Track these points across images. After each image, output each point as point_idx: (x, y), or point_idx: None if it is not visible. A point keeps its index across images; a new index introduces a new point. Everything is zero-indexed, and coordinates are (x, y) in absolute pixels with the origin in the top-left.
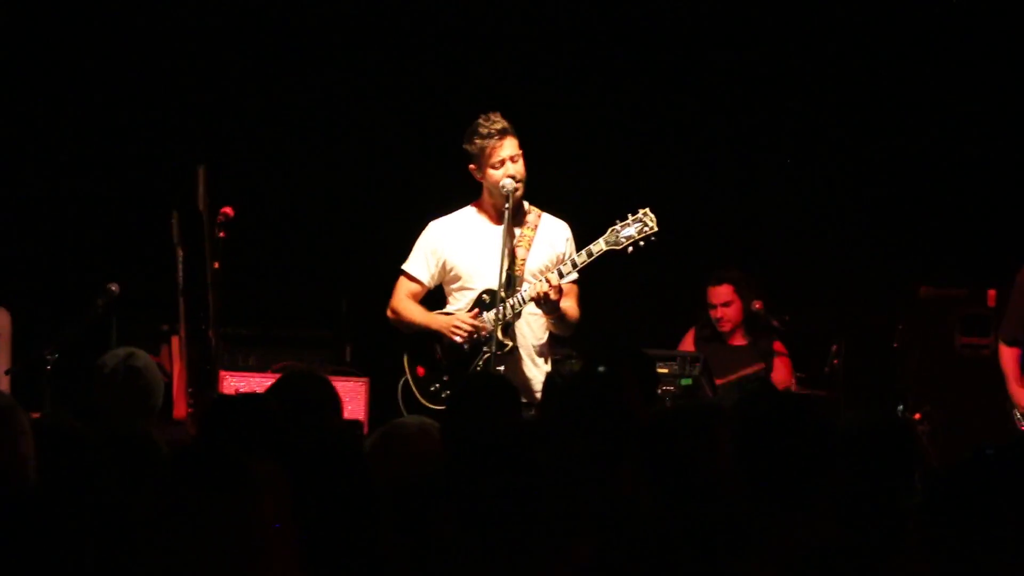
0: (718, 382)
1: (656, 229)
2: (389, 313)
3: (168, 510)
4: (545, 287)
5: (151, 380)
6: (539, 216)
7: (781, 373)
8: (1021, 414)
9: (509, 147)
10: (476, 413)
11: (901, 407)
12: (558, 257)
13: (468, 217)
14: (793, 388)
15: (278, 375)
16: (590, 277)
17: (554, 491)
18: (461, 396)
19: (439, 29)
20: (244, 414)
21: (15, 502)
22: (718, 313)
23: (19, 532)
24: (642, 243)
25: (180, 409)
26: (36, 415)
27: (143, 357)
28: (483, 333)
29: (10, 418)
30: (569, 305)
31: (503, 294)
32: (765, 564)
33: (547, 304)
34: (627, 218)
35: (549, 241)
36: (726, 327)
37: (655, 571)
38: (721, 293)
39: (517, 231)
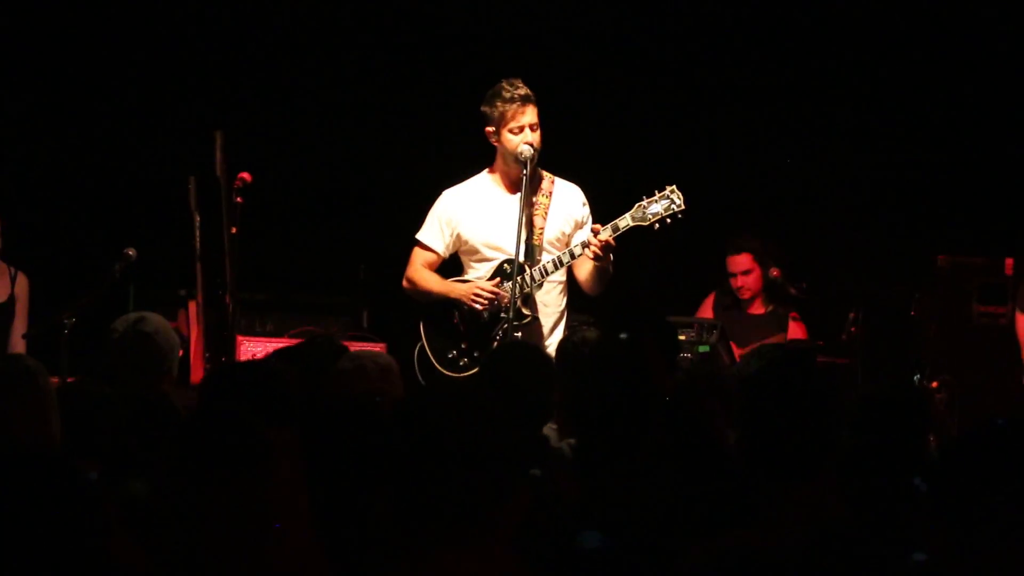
0: (739, 352)
1: (684, 207)
2: (404, 283)
3: (183, 474)
4: (605, 237)
5: (162, 344)
6: (552, 182)
7: (797, 336)
8: None
9: (531, 115)
10: (509, 383)
11: (918, 376)
12: (576, 222)
13: (482, 185)
14: None
15: (296, 340)
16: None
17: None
18: (493, 365)
19: None
20: (250, 382)
21: (40, 461)
22: (738, 282)
23: (44, 491)
24: (668, 220)
25: (197, 374)
26: (54, 380)
27: (154, 321)
28: (504, 302)
29: (36, 380)
30: (611, 260)
31: (524, 264)
32: (766, 536)
33: (602, 258)
34: (654, 194)
35: (565, 207)
36: (746, 295)
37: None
38: (741, 262)
39: (533, 199)
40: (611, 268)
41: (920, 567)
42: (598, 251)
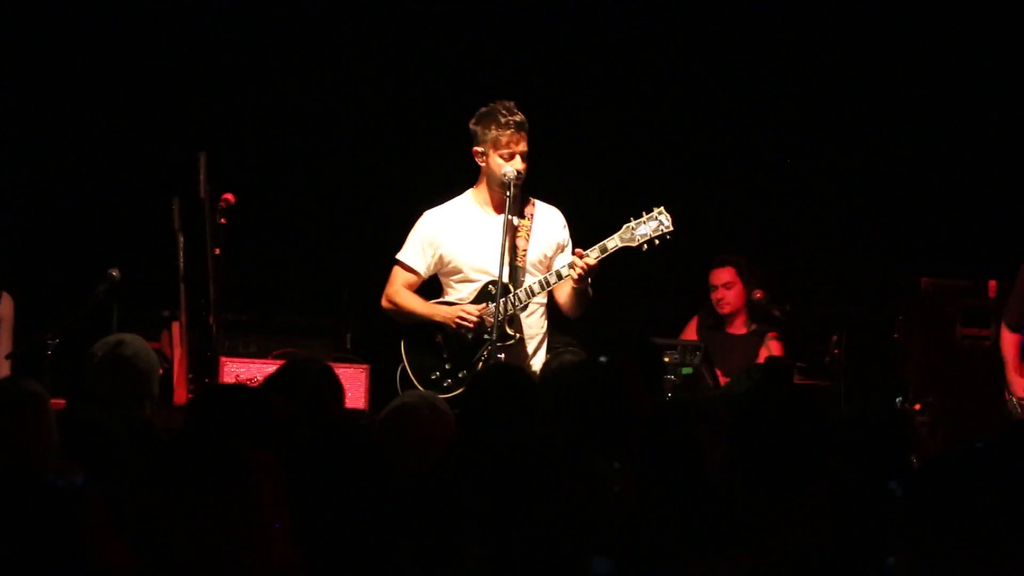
0: (724, 379)
1: (672, 228)
2: (384, 303)
3: (166, 496)
4: (591, 261)
5: (141, 368)
6: (533, 204)
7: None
8: (1016, 401)
9: (523, 144)
10: (495, 404)
11: (900, 399)
12: (558, 245)
13: (465, 206)
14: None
15: (279, 361)
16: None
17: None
18: (479, 386)
19: (441, 16)
20: (237, 404)
21: (41, 488)
22: (719, 294)
23: (44, 517)
24: (657, 242)
25: (180, 395)
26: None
27: (133, 345)
28: (486, 322)
29: (38, 404)
30: (589, 283)
31: (508, 285)
32: (758, 558)
33: (582, 281)
34: (641, 215)
35: (547, 230)
36: (725, 309)
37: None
38: (722, 275)
39: (515, 221)
40: (591, 291)
41: (891, 571)
42: (582, 273)
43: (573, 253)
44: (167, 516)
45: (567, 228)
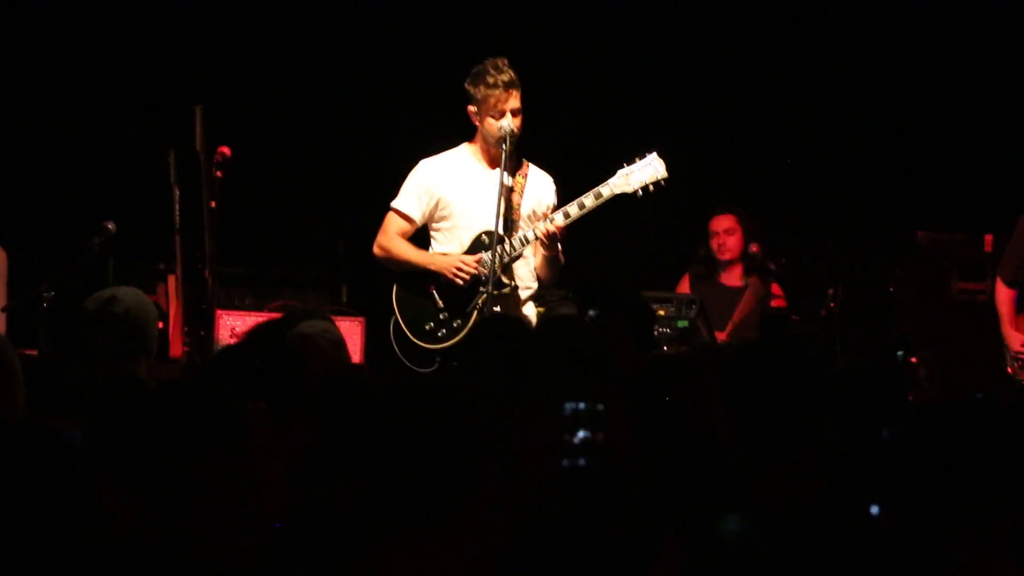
0: (720, 336)
1: (666, 175)
2: (377, 250)
3: (156, 445)
4: (551, 227)
5: (134, 323)
6: (527, 165)
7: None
8: (1012, 356)
9: (513, 100)
10: (494, 355)
11: (901, 352)
12: (548, 206)
13: (462, 157)
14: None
15: (275, 315)
16: (588, 220)
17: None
18: (478, 337)
19: None
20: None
21: (3, 437)
22: (720, 239)
23: (8, 468)
24: (651, 188)
25: (176, 348)
26: (33, 353)
27: (126, 300)
28: (482, 272)
29: (3, 356)
30: (560, 250)
31: (503, 234)
32: (754, 517)
33: (551, 244)
34: (634, 161)
35: (538, 190)
36: (725, 255)
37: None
38: (724, 221)
39: (510, 179)
40: (561, 258)
41: (874, 520)
42: (544, 238)
43: (543, 215)
44: (157, 466)
45: (557, 195)
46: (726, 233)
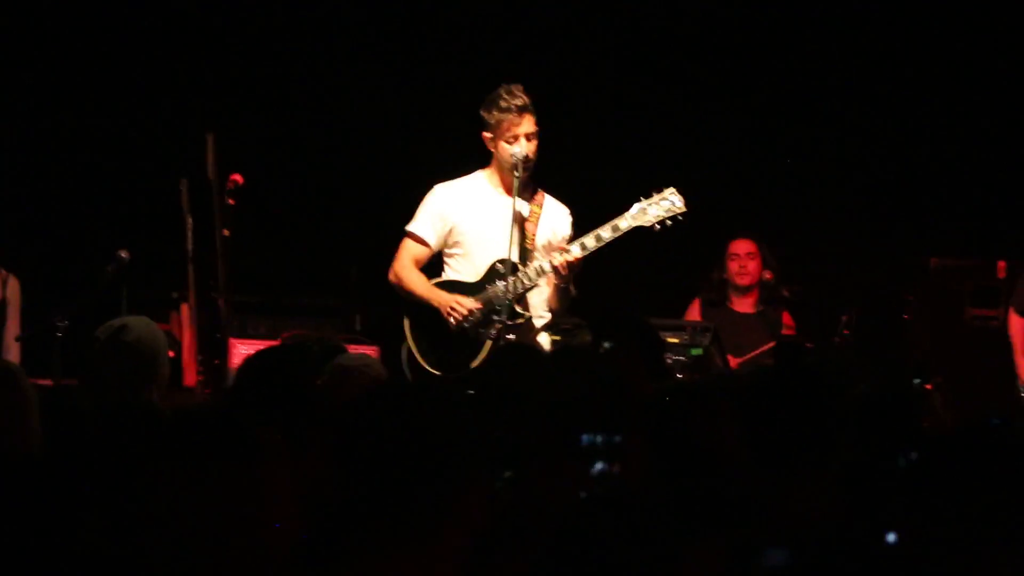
0: (735, 361)
1: (684, 210)
2: (391, 276)
3: (171, 473)
4: (569, 258)
5: (145, 352)
6: (543, 195)
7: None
8: (1023, 386)
9: (527, 124)
10: (511, 384)
11: (918, 380)
12: (562, 238)
13: (477, 184)
14: None
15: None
16: (600, 249)
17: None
18: (496, 365)
19: None
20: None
21: (20, 468)
22: (741, 262)
23: (24, 499)
24: (669, 222)
25: (190, 377)
26: (47, 382)
27: (137, 329)
28: (495, 300)
29: (15, 381)
30: (572, 281)
31: (517, 264)
32: (769, 536)
33: (564, 276)
34: (651, 195)
35: (553, 220)
36: (745, 280)
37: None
38: (744, 245)
39: (526, 206)
40: (573, 290)
41: (890, 548)
42: (563, 267)
43: (557, 247)
44: (172, 494)
45: (572, 226)
46: (748, 257)
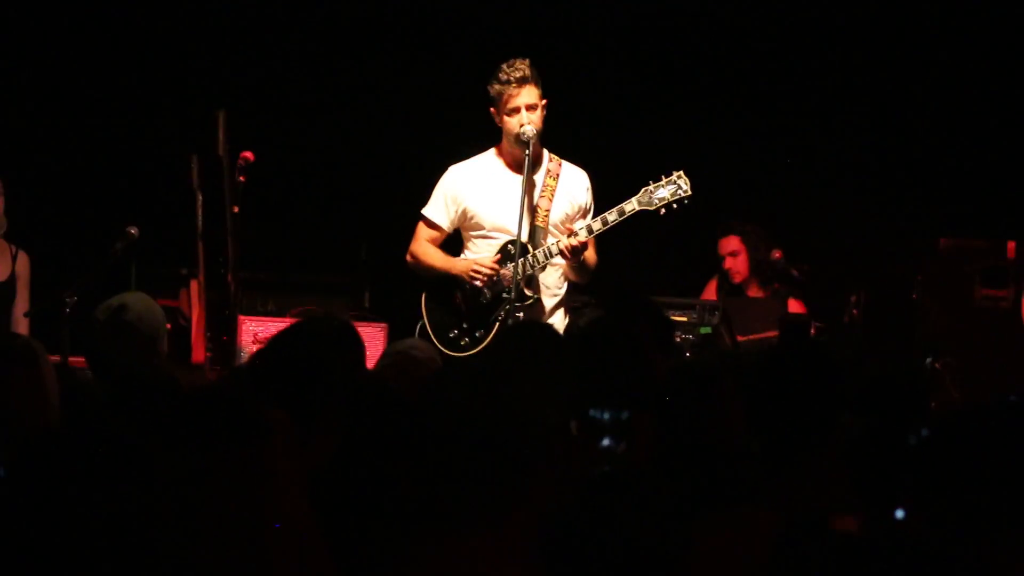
0: (741, 338)
1: (690, 193)
2: (408, 257)
3: (180, 451)
4: (574, 242)
5: (145, 330)
6: (559, 165)
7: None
8: None
9: (527, 95)
10: (522, 361)
11: (930, 359)
12: (579, 207)
13: (488, 163)
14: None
15: (296, 319)
16: (611, 228)
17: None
18: (506, 343)
19: None
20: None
21: (40, 443)
22: (727, 264)
23: (44, 473)
24: (675, 206)
25: (199, 354)
26: (56, 358)
27: (135, 308)
28: (506, 281)
29: (36, 358)
30: (588, 253)
31: (527, 245)
32: (775, 514)
33: (573, 256)
34: (660, 179)
35: (570, 191)
36: (736, 278)
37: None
38: (728, 244)
39: (539, 181)
40: (588, 263)
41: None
42: (567, 252)
43: (566, 230)
44: (181, 470)
45: (591, 192)
46: (731, 256)
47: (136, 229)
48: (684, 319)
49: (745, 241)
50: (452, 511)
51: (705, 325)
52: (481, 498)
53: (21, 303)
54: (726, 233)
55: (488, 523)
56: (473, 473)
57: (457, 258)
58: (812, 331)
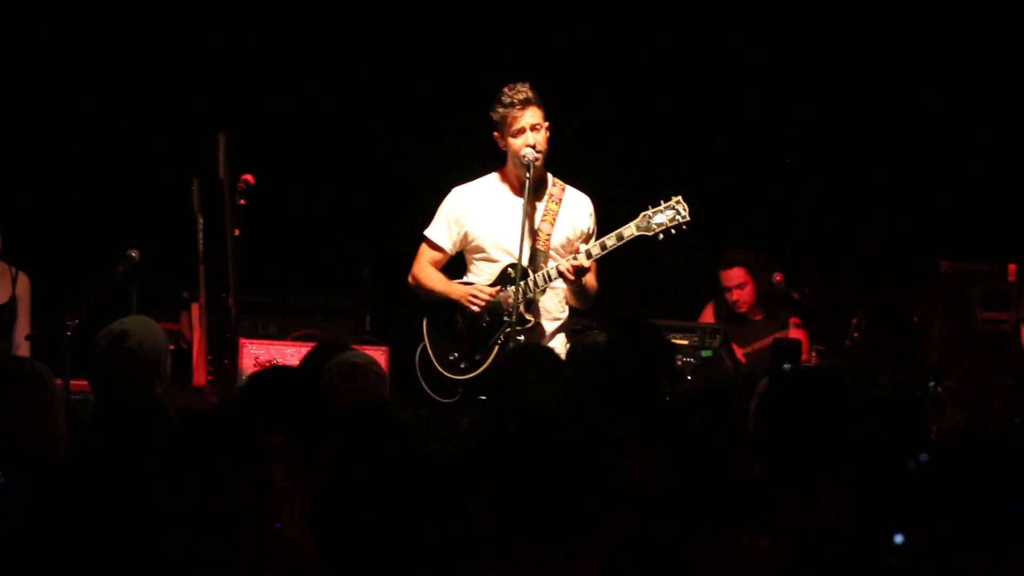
0: (740, 352)
1: (688, 219)
2: (410, 279)
3: (178, 475)
4: (575, 262)
5: (147, 356)
6: (563, 189)
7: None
8: None
9: (531, 116)
10: (522, 383)
11: (933, 383)
12: (581, 232)
13: (491, 185)
14: (813, 360)
15: (297, 343)
16: (613, 251)
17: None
18: (506, 366)
19: None
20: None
21: (51, 470)
22: (734, 296)
23: (54, 499)
24: (673, 231)
25: (200, 377)
26: (58, 382)
27: (137, 334)
28: (506, 304)
29: (43, 381)
30: (589, 279)
31: (527, 268)
32: (779, 537)
33: (573, 281)
34: (659, 204)
35: (572, 216)
36: (743, 308)
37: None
38: (734, 276)
39: (541, 205)
40: (589, 288)
41: (898, 550)
42: (569, 274)
43: (567, 254)
44: (178, 495)
45: (594, 216)
46: (738, 288)
47: (137, 252)
48: (685, 342)
49: (750, 271)
50: (526, 535)
51: (706, 348)
52: (561, 521)
53: (22, 325)
54: (730, 264)
55: (565, 549)
56: (554, 496)
57: (457, 282)
58: (809, 356)
